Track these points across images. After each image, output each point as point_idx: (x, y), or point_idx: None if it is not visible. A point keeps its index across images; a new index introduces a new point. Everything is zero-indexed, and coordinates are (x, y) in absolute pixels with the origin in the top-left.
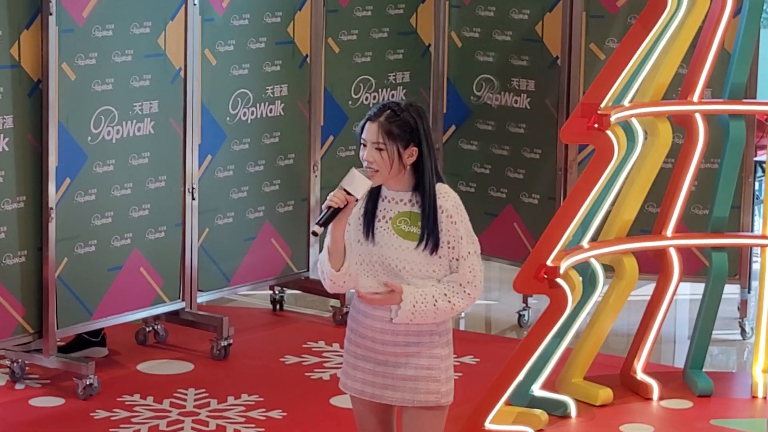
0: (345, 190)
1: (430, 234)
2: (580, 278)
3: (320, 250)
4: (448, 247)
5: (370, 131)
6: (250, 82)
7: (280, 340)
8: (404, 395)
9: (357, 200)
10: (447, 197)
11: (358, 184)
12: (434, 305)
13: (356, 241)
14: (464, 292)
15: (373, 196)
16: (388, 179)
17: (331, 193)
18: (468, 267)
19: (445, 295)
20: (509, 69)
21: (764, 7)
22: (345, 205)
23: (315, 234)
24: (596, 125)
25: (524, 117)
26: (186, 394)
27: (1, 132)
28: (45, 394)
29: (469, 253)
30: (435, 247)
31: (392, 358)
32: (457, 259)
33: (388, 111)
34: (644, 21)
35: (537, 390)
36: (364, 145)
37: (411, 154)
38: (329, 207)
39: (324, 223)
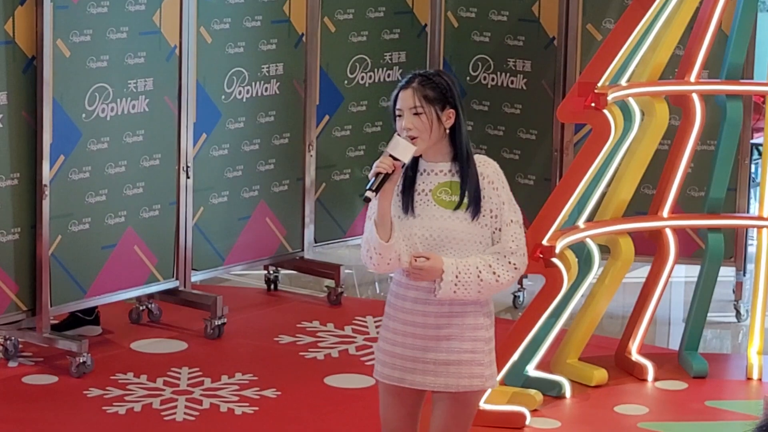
0: (391, 156)
1: (470, 196)
2: (576, 258)
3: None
4: (491, 216)
5: (406, 98)
6: (245, 61)
7: (275, 320)
8: (447, 380)
9: (404, 165)
10: (487, 165)
11: (403, 148)
12: (478, 276)
13: (396, 218)
14: (509, 263)
15: (411, 170)
16: (429, 146)
17: (377, 160)
18: (511, 236)
19: (490, 266)
20: (505, 49)
21: None
22: (393, 171)
23: (367, 200)
24: (593, 104)
25: (520, 98)
26: (180, 373)
27: None
28: (38, 371)
29: (512, 221)
30: (476, 211)
31: (432, 342)
32: (500, 229)
33: (419, 77)
34: (641, 1)
35: (532, 370)
36: (400, 116)
37: (449, 116)
38: (377, 173)
39: (376, 189)
